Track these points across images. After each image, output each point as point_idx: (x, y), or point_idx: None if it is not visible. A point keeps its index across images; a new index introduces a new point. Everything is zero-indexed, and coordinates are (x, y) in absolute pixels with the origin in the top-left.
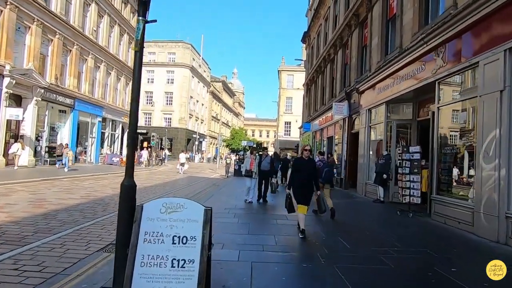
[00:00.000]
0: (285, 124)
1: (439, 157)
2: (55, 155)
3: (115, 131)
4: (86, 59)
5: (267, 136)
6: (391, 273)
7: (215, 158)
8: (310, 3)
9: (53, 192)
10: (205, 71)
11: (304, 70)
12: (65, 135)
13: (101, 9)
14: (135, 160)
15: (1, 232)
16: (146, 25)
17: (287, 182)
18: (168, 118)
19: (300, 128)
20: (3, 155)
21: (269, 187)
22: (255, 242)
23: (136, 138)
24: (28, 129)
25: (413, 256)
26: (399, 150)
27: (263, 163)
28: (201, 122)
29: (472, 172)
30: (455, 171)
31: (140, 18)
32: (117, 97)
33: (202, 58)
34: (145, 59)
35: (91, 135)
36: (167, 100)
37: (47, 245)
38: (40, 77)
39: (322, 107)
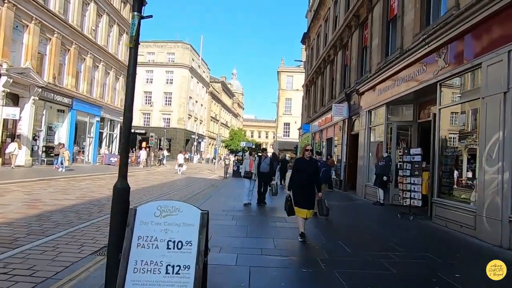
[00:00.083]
0: (284, 125)
1: (440, 160)
2: (52, 155)
3: (113, 131)
4: (84, 59)
5: (266, 137)
6: (394, 279)
7: (214, 158)
8: (310, 4)
9: (48, 192)
10: (204, 72)
11: (304, 71)
12: (62, 134)
13: (100, 8)
14: (132, 161)
15: None
16: (144, 23)
17: (287, 184)
18: (167, 119)
19: (299, 129)
20: None
21: (270, 189)
22: (253, 245)
23: (130, 137)
24: (25, 128)
25: (415, 261)
26: (399, 152)
27: (262, 164)
28: (200, 123)
29: (474, 175)
30: (457, 173)
31: (136, 13)
32: (116, 97)
33: (202, 59)
34: (144, 59)
35: (89, 135)
36: (166, 101)
37: (39, 247)
38: (38, 76)
39: (322, 108)
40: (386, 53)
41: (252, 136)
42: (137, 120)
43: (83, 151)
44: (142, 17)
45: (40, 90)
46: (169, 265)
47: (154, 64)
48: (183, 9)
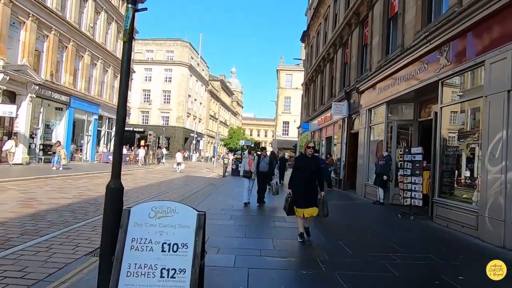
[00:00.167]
0: (283, 124)
1: (442, 159)
2: (50, 153)
3: (111, 129)
4: (82, 56)
5: (265, 135)
6: (396, 281)
7: (213, 157)
8: (310, 2)
9: (44, 191)
10: (203, 70)
11: (303, 69)
12: (60, 132)
13: (98, 5)
14: (131, 159)
15: None
16: (143, 22)
17: (288, 182)
18: (166, 117)
19: (298, 128)
20: None
21: (270, 188)
22: (252, 246)
23: (123, 135)
24: (22, 126)
25: (417, 263)
26: (400, 151)
27: (261, 163)
28: (199, 121)
29: (476, 174)
30: (458, 173)
31: (130, 5)
32: (114, 95)
33: (201, 57)
34: (143, 57)
35: (87, 133)
36: (165, 99)
37: (32, 248)
38: (35, 73)
39: (321, 107)
40: (386, 51)
41: (251, 135)
42: (136, 118)
43: (80, 149)
44: (137, 10)
45: (37, 87)
46: (164, 268)
47: (152, 62)
48: (182, 8)
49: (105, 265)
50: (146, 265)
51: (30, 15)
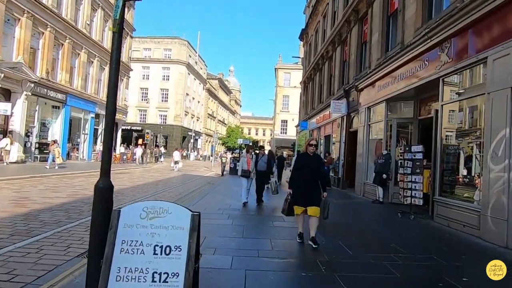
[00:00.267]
0: (282, 122)
1: (442, 157)
2: (46, 151)
3: None
4: (78, 54)
5: (263, 134)
6: (398, 283)
7: (211, 155)
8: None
9: (38, 190)
10: (201, 68)
11: (301, 68)
12: (56, 131)
13: (94, 2)
14: (128, 158)
15: None
16: (143, 21)
17: (288, 182)
18: (164, 115)
19: (297, 126)
20: None
21: (269, 187)
22: (249, 246)
23: (113, 131)
24: (17, 124)
25: (419, 263)
26: (400, 149)
27: (259, 162)
28: (197, 120)
29: (478, 173)
30: (460, 171)
31: None
32: None
33: (199, 55)
34: (141, 55)
35: (83, 132)
36: (163, 97)
37: (22, 249)
38: (30, 71)
39: (320, 105)
40: (386, 48)
41: (249, 134)
42: (133, 117)
43: (77, 148)
44: None
45: (32, 85)
46: (156, 272)
47: (150, 60)
48: (180, 6)
49: (93, 269)
50: (136, 269)
51: (25, 12)
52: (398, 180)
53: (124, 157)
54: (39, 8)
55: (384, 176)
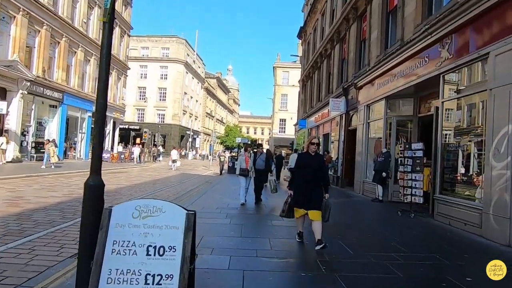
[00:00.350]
0: (280, 121)
1: (443, 155)
2: (42, 150)
3: (106, 126)
4: (75, 52)
5: (262, 133)
6: (400, 282)
7: (209, 155)
8: None
9: (34, 189)
10: (199, 67)
11: (300, 66)
12: (53, 130)
13: (91, 0)
14: (126, 157)
15: None
16: (142, 20)
17: (289, 183)
18: (162, 114)
19: (295, 125)
20: None
21: (269, 185)
22: (248, 246)
23: (104, 126)
24: (13, 123)
25: (422, 263)
26: (400, 147)
27: (258, 161)
28: (195, 119)
29: (479, 170)
30: (461, 169)
31: None
32: (109, 92)
33: (197, 54)
34: (138, 53)
35: (81, 131)
36: (161, 96)
37: (13, 250)
38: (26, 69)
39: (318, 104)
40: (385, 45)
41: (248, 133)
42: (131, 116)
43: (74, 147)
44: None
45: (28, 84)
46: (149, 274)
47: (148, 59)
48: (179, 4)
49: (84, 271)
50: (129, 271)
51: (21, 10)
52: (398, 178)
53: (122, 156)
54: (35, 6)
55: (384, 174)
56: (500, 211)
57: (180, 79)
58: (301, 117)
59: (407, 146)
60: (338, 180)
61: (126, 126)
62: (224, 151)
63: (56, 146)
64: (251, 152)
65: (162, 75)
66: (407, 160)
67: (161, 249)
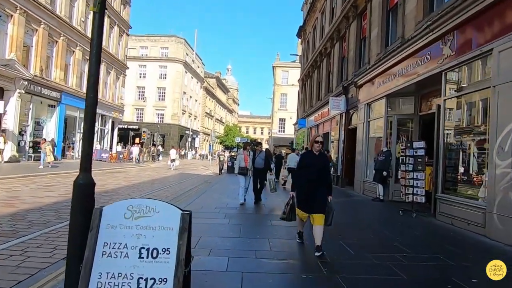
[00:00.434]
0: (280, 121)
1: (445, 153)
2: (40, 150)
3: (104, 126)
4: (73, 51)
5: (261, 133)
6: (404, 284)
7: (208, 154)
8: None
9: (30, 189)
10: (198, 67)
11: (299, 66)
12: (51, 129)
13: None
14: (125, 157)
15: None
16: (141, 19)
17: (291, 183)
18: (161, 114)
19: (295, 124)
20: None
21: (269, 184)
22: (247, 247)
23: (94, 122)
24: (10, 123)
25: (425, 264)
26: (402, 146)
27: (256, 159)
28: (195, 118)
29: (483, 169)
30: (463, 168)
31: None
32: (107, 91)
33: (196, 54)
34: (137, 53)
35: (79, 130)
36: (160, 96)
37: (5, 251)
38: (24, 68)
39: (318, 103)
40: (386, 43)
41: (247, 132)
42: (130, 116)
43: (72, 147)
44: None
45: (26, 83)
46: (142, 278)
47: (147, 58)
48: (177, 3)
49: (73, 275)
50: (120, 274)
51: (18, 8)
52: (399, 177)
53: (121, 156)
54: (32, 5)
55: (385, 173)
56: (504, 210)
57: (179, 79)
58: (301, 116)
59: (408, 144)
60: (338, 179)
61: (125, 126)
62: (224, 151)
63: (55, 146)
64: (250, 150)
65: (161, 74)
66: (409, 159)
67: (155, 251)
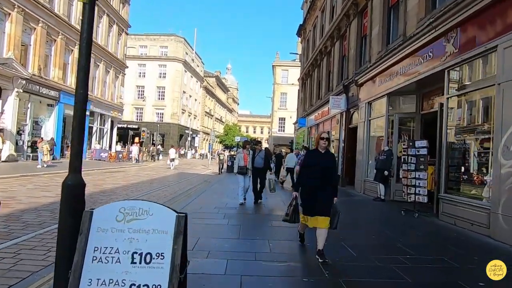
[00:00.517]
0: (279, 120)
1: (448, 152)
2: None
3: (103, 125)
4: (72, 50)
5: (261, 132)
6: None
7: (208, 153)
8: None
9: (27, 189)
10: (198, 66)
11: (299, 65)
12: (49, 129)
13: None
14: (124, 156)
15: None
16: (140, 18)
17: (295, 183)
18: (160, 113)
19: (294, 123)
20: None
21: (269, 184)
22: (246, 249)
23: (84, 119)
24: (8, 122)
25: (430, 266)
26: (403, 145)
27: (256, 159)
28: (194, 118)
29: (487, 168)
30: (467, 167)
31: None
32: (106, 91)
33: (195, 53)
34: (137, 52)
35: None
36: (159, 95)
37: None
38: (22, 67)
39: (318, 102)
40: (387, 41)
41: (247, 132)
42: (130, 115)
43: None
44: None
45: (24, 82)
46: (134, 284)
47: (146, 57)
48: (177, 2)
49: (61, 281)
50: (111, 281)
51: (16, 6)
52: (401, 177)
53: (120, 155)
54: (30, 3)
55: (386, 173)
56: (509, 210)
57: (179, 78)
58: (301, 115)
59: (410, 143)
60: (338, 178)
61: (125, 125)
62: (224, 150)
63: (54, 145)
64: (250, 149)
65: (160, 73)
66: (411, 158)
67: (148, 256)
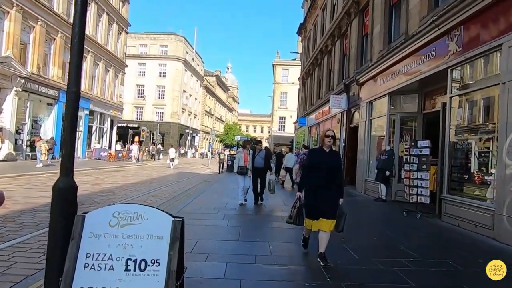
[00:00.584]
0: (280, 119)
1: (451, 153)
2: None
3: (103, 124)
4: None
5: (261, 131)
6: None
7: (208, 152)
8: None
9: (24, 189)
10: (198, 65)
11: (300, 64)
12: (49, 128)
13: None
14: (124, 155)
15: None
16: (140, 18)
17: (299, 183)
18: (160, 112)
19: (295, 123)
20: None
21: (268, 184)
22: (246, 251)
23: (76, 119)
24: (7, 121)
25: (434, 269)
26: (405, 144)
27: (256, 158)
28: (194, 117)
29: (491, 169)
30: (470, 168)
31: None
32: (106, 90)
33: (195, 52)
34: (137, 51)
35: (77, 129)
36: (159, 94)
37: None
38: (21, 66)
39: (319, 101)
40: (389, 40)
41: (247, 131)
42: (130, 114)
43: None
44: None
45: (23, 81)
46: None
47: (146, 56)
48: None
49: None
50: None
51: (15, 5)
52: (403, 177)
53: (120, 155)
54: (29, 1)
55: (387, 173)
56: None
57: (179, 77)
58: (301, 115)
59: (413, 143)
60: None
61: (125, 125)
62: (224, 149)
63: (54, 145)
64: (250, 149)
65: (160, 72)
66: (413, 158)
67: (143, 263)
